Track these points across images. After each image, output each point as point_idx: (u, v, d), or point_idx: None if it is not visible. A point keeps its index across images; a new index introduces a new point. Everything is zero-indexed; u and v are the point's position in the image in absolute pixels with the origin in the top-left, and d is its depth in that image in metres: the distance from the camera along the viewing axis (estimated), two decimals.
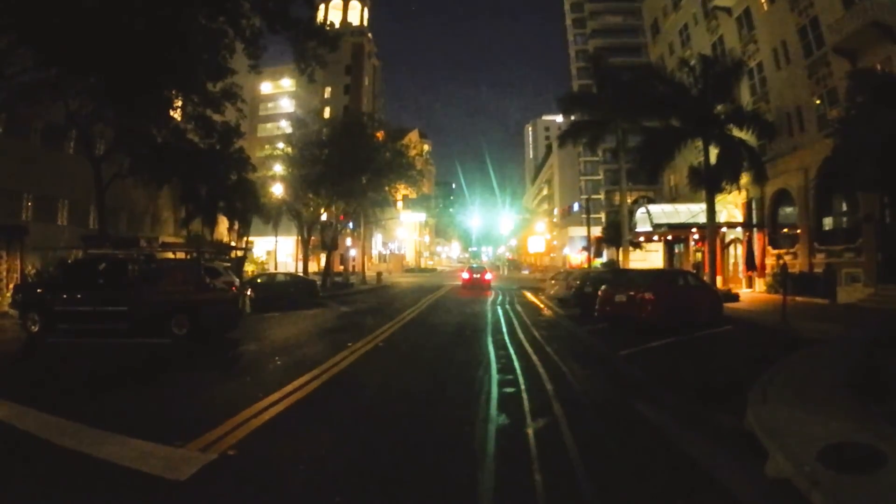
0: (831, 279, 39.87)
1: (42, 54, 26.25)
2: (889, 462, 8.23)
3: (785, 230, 48.04)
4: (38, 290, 25.03)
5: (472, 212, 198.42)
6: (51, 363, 18.92)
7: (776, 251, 47.95)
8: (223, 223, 62.82)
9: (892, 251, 36.04)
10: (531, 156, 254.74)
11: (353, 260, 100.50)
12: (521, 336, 25.07)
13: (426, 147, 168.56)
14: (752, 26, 53.15)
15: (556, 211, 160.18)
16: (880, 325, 25.08)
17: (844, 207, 40.83)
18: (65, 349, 21.17)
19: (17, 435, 10.48)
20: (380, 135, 72.31)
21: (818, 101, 43.29)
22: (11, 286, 32.13)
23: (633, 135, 54.80)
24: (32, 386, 15.16)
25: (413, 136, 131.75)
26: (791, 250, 46.00)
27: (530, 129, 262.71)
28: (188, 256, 31.41)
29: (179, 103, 42.66)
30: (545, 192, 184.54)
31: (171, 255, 31.02)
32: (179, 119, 44.34)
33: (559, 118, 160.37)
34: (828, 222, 43.13)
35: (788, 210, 47.80)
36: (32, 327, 23.30)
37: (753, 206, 51.99)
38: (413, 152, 77.11)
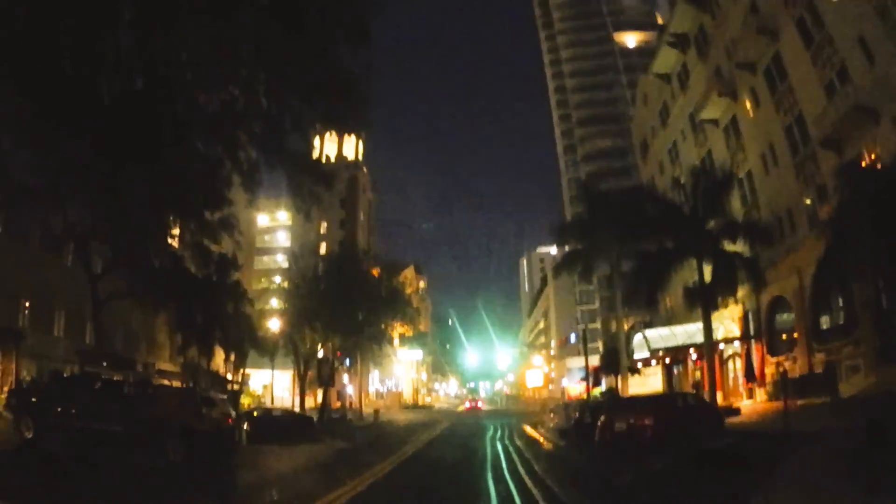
0: (831, 376, 39.02)
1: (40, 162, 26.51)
2: None
3: (783, 336, 47.81)
4: (33, 399, 24.92)
5: (469, 349, 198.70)
6: (43, 474, 18.64)
7: (775, 359, 47.45)
8: (220, 353, 62.62)
9: (891, 334, 35.61)
10: (526, 288, 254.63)
11: (350, 397, 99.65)
12: (522, 472, 24.70)
13: (422, 284, 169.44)
14: (740, 134, 54.31)
15: (553, 343, 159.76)
16: (876, 412, 24.88)
17: (841, 302, 40.64)
18: (58, 460, 20.88)
19: None
20: (375, 271, 72.86)
21: (808, 201, 43.75)
22: (6, 389, 32.00)
23: (627, 259, 54.98)
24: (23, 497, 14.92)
25: (409, 272, 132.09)
26: (790, 355, 45.48)
27: (525, 261, 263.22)
28: (184, 386, 31.38)
29: (177, 231, 42.90)
30: (541, 324, 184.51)
31: (166, 382, 30.98)
32: (177, 245, 44.58)
33: (553, 249, 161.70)
34: (825, 321, 42.85)
35: (785, 316, 47.68)
36: (27, 433, 23.16)
37: (750, 317, 51.82)
38: (409, 290, 77.68)
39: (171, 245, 42.49)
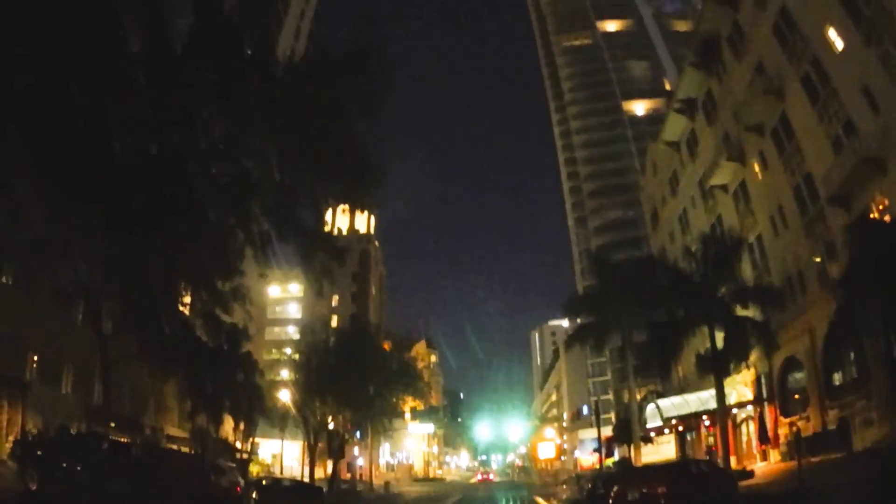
0: (845, 431, 38.53)
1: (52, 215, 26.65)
2: None
3: (796, 396, 47.36)
4: (39, 452, 24.95)
5: (480, 421, 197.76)
6: None
7: (788, 419, 46.92)
8: (229, 421, 62.22)
9: None
10: (538, 362, 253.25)
11: (361, 468, 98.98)
12: None
13: (433, 358, 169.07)
14: (749, 198, 54.68)
15: (565, 415, 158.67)
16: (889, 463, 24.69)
17: (853, 356, 39.95)
18: None
19: None
20: (387, 345, 73.27)
21: (818, 259, 43.65)
22: (11, 438, 31.94)
23: (639, 330, 54.91)
24: None
25: (420, 347, 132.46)
26: (803, 415, 45.02)
27: (536, 334, 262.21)
28: (193, 452, 31.32)
29: (188, 299, 42.94)
30: (553, 397, 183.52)
31: (175, 448, 30.90)
32: (188, 313, 44.59)
33: (565, 322, 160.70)
34: (837, 377, 42.41)
35: (798, 376, 47.25)
36: (31, 484, 23.15)
37: (762, 380, 51.46)
38: (420, 364, 78.13)
39: (182, 312, 42.57)
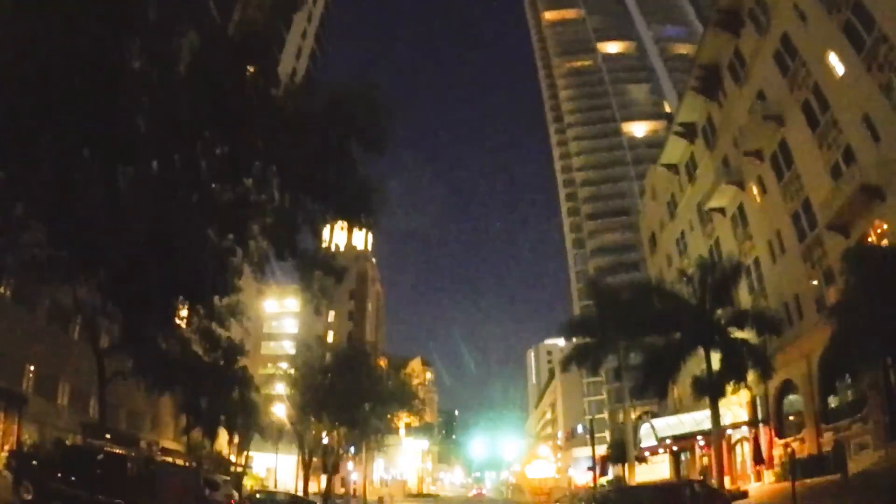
0: (840, 454, 38.36)
1: (53, 236, 26.74)
2: None
3: (791, 418, 47.60)
4: (34, 463, 24.97)
5: (474, 438, 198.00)
6: None
7: (783, 441, 46.94)
8: (224, 435, 62.14)
9: None
10: (534, 381, 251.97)
11: (355, 484, 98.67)
12: None
13: (428, 375, 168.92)
14: (747, 222, 54.94)
15: (560, 434, 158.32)
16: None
17: (849, 379, 39.62)
18: None
19: None
20: (382, 362, 73.40)
21: (815, 283, 43.87)
22: (7, 449, 31.94)
23: (636, 352, 54.91)
24: None
25: (416, 364, 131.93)
26: (798, 437, 45.10)
27: (532, 353, 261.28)
28: (187, 465, 31.28)
29: (185, 313, 42.84)
30: (548, 416, 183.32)
31: (170, 460, 30.87)
32: (185, 326, 44.54)
33: (561, 342, 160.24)
34: (833, 400, 42.64)
35: (793, 398, 47.41)
36: (26, 495, 23.17)
37: (758, 402, 51.47)
38: (416, 382, 78.19)
39: (179, 326, 42.55)
